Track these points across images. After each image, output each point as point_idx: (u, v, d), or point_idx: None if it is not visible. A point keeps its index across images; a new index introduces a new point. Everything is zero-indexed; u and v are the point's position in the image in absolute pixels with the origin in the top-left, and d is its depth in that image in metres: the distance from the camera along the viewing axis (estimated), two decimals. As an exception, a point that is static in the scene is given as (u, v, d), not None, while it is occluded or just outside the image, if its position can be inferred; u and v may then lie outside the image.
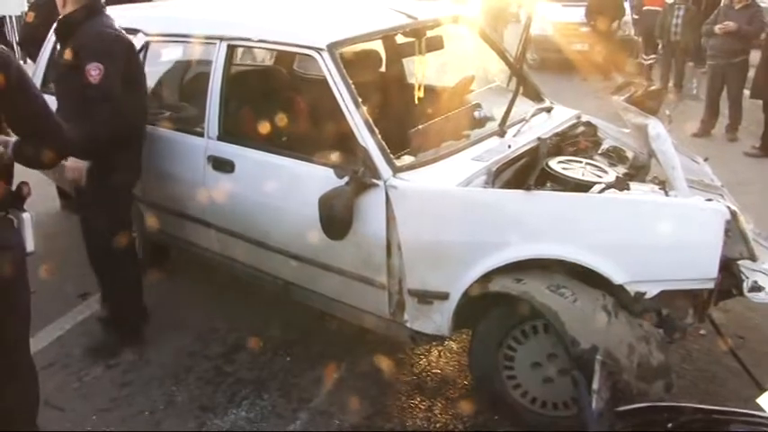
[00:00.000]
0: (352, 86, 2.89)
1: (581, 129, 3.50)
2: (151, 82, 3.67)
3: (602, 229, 2.54)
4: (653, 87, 4.13)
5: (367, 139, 2.81)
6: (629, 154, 3.50)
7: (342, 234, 2.80)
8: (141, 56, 3.56)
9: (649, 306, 2.59)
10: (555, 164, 2.99)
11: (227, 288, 3.80)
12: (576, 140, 3.38)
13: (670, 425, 2.02)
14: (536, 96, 3.68)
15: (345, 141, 2.92)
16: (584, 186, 2.83)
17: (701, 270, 2.48)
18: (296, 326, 3.56)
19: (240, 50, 3.42)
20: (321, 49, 2.94)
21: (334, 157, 2.93)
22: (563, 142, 3.27)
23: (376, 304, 2.96)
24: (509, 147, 3.04)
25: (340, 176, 2.82)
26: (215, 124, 3.28)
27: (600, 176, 2.97)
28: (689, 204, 2.63)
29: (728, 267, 2.57)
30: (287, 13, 3.57)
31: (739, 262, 2.61)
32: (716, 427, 1.97)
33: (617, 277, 2.50)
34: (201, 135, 3.34)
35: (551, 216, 2.59)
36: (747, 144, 6.95)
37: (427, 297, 2.81)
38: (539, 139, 3.10)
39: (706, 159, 3.82)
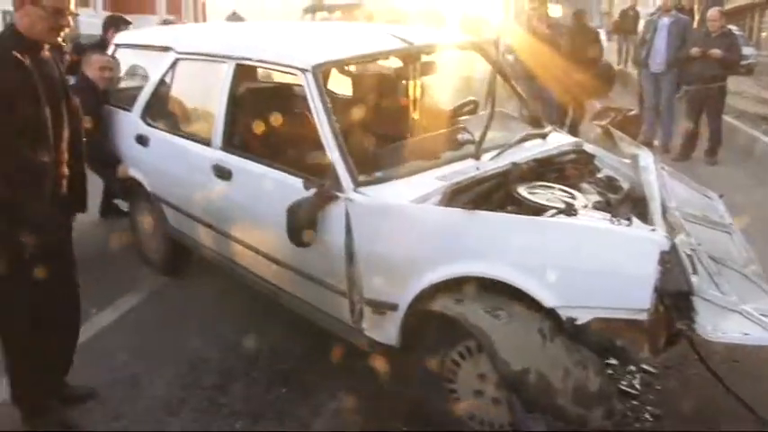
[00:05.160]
0: (329, 105, 3.08)
1: (571, 156, 3.49)
2: (178, 94, 4.05)
3: (536, 251, 2.56)
4: (632, 113, 4.04)
5: (334, 154, 2.99)
6: (625, 185, 3.45)
7: (304, 243, 2.97)
8: (171, 71, 3.95)
9: (602, 336, 2.58)
10: (523, 189, 3.03)
11: (217, 315, 3.92)
12: (562, 168, 3.38)
13: None
14: (535, 122, 3.71)
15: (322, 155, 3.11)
16: (539, 210, 2.86)
17: (634, 300, 2.44)
18: (290, 354, 3.58)
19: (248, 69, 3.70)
20: (306, 70, 3.16)
21: (310, 168, 3.13)
22: (545, 168, 3.29)
23: (340, 311, 3.11)
24: (477, 169, 3.11)
25: (307, 188, 3.01)
26: (219, 135, 3.58)
27: (568, 203, 2.98)
28: (622, 232, 2.61)
29: (676, 300, 2.52)
30: (288, 37, 3.83)
31: (695, 297, 2.55)
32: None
33: (548, 301, 2.51)
34: (209, 145, 3.65)
35: (488, 236, 2.65)
36: (731, 167, 6.85)
37: (380, 307, 2.93)
38: (513, 163, 3.15)
39: (721, 196, 3.71)
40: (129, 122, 4.34)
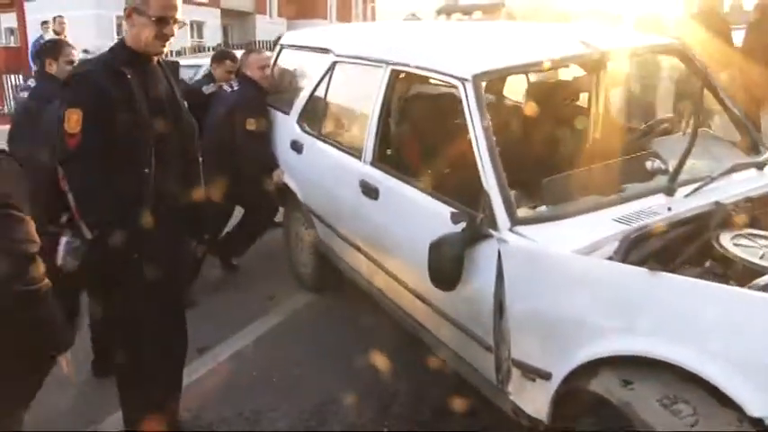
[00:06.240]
0: (489, 122, 2.60)
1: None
2: (334, 100, 3.77)
3: (742, 337, 1.91)
4: None
5: (490, 182, 2.52)
6: None
7: (447, 286, 2.54)
8: (329, 74, 3.67)
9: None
10: (728, 238, 2.36)
11: (359, 347, 3.49)
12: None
13: None
14: (752, 147, 2.96)
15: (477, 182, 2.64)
16: (750, 273, 2.18)
17: None
18: (431, 404, 3.15)
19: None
20: (465, 80, 2.71)
21: (462, 197, 2.68)
22: (761, 210, 2.57)
23: (485, 366, 2.64)
24: (668, 209, 2.47)
25: (455, 222, 2.56)
26: (370, 148, 3.24)
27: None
28: None
29: None
30: (451, 40, 3.36)
31: None
32: None
33: (754, 408, 1.85)
34: (359, 158, 3.31)
35: (675, 307, 2.03)
36: None
37: (531, 372, 2.42)
38: (716, 203, 2.48)
39: None
40: (286, 126, 4.14)
